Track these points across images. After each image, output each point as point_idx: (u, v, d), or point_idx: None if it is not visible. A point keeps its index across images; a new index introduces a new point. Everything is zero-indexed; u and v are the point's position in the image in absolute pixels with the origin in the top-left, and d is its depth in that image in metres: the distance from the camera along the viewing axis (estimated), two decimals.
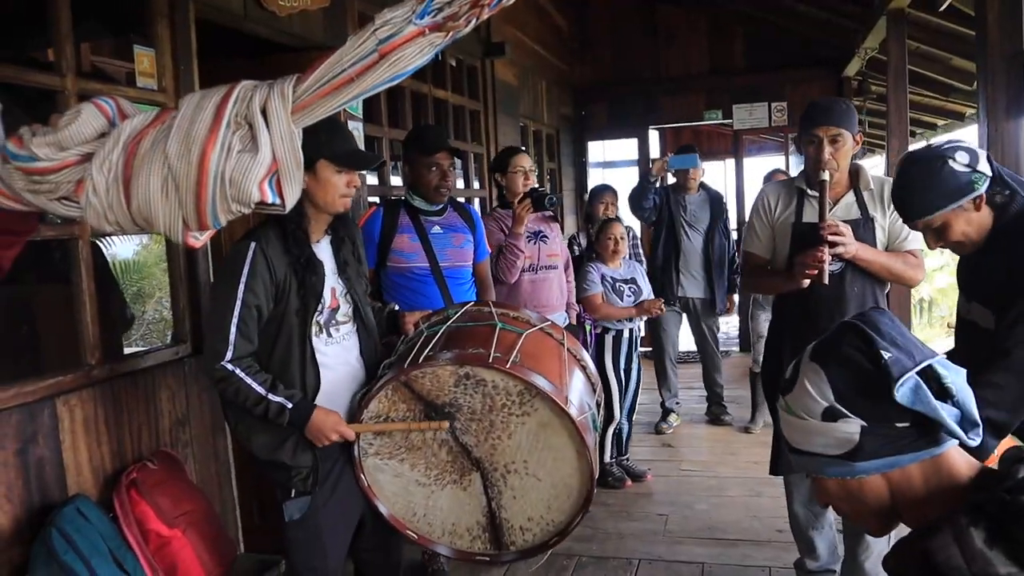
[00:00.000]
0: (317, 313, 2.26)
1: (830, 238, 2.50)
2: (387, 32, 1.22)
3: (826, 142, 2.63)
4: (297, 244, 2.21)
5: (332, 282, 2.32)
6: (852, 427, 1.08)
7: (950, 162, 1.99)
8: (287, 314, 2.21)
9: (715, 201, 5.65)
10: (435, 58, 1.28)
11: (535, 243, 3.93)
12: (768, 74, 7.61)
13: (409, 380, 2.20)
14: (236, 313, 2.12)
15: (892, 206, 2.66)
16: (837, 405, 1.09)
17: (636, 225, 6.60)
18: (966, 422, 1.07)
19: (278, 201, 1.28)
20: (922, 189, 2.03)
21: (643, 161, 8.35)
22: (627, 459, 4.69)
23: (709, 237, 5.54)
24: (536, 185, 3.89)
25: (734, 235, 6.45)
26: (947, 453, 1.08)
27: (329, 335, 2.31)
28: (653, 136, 9.32)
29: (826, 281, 2.50)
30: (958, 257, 2.26)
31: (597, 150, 9.46)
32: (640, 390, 4.77)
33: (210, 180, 1.22)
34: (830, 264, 2.54)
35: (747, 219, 2.99)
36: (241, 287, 2.13)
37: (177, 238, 1.29)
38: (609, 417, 4.49)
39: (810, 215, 2.71)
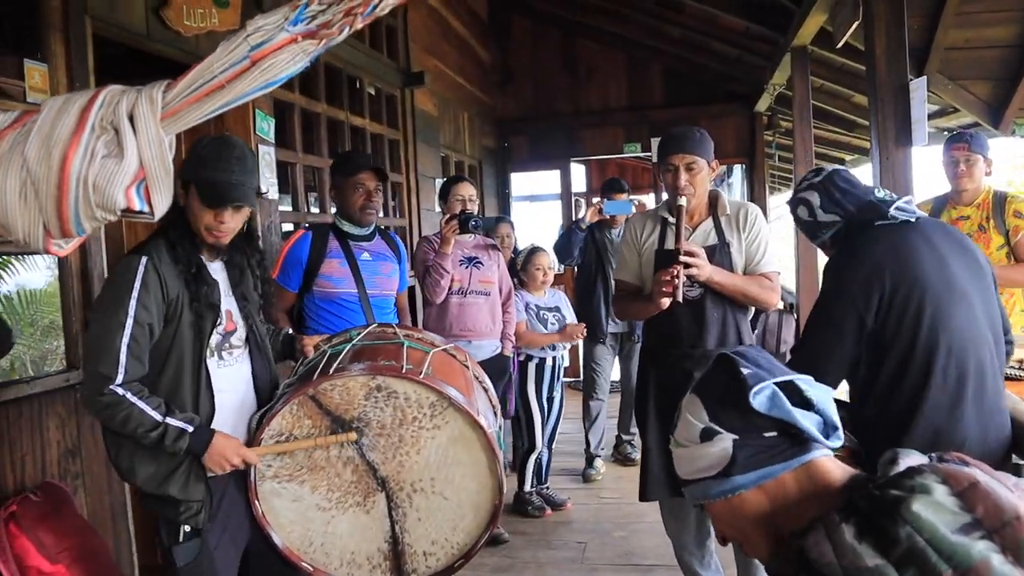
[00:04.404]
0: (213, 333, 2.14)
1: (683, 259, 2.55)
2: (259, 39, 1.21)
3: (682, 169, 2.71)
4: (184, 253, 2.09)
5: (227, 304, 2.21)
6: (726, 442, 1.13)
7: (798, 210, 2.26)
8: (179, 333, 2.06)
9: None
10: (309, 66, 1.27)
11: (468, 268, 3.95)
12: (685, 109, 7.80)
13: (317, 393, 2.13)
14: (127, 332, 1.94)
15: (748, 229, 2.78)
16: (711, 424, 1.15)
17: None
18: (828, 427, 1.13)
19: (146, 209, 1.24)
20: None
21: (566, 194, 8.45)
22: (547, 488, 4.67)
23: None
24: (475, 212, 3.88)
25: None
26: (818, 461, 1.12)
27: (221, 358, 2.18)
28: (578, 169, 9.41)
29: (680, 299, 2.54)
30: None
31: (521, 182, 9.54)
32: (562, 419, 4.77)
33: (71, 185, 1.18)
34: (688, 288, 2.62)
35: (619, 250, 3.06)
36: (132, 303, 1.95)
37: (37, 245, 1.23)
38: (531, 446, 4.48)
39: (671, 242, 2.77)
